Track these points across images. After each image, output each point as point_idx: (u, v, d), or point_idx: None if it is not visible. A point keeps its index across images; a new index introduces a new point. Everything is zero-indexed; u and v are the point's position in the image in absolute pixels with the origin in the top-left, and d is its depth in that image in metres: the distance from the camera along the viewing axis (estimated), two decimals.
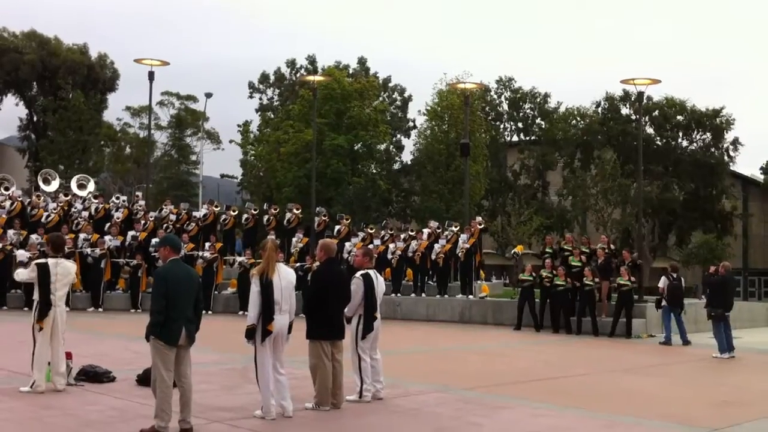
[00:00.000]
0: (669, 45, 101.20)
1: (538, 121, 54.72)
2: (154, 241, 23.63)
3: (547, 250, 22.09)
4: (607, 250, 20.99)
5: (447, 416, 9.07)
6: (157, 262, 21.78)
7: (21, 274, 10.59)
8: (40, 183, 28.88)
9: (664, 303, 18.33)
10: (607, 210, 46.36)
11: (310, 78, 36.61)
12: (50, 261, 10.00)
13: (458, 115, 41.73)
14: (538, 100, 54.23)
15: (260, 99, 57.05)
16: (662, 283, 18.56)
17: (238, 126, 52.54)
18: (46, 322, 9.80)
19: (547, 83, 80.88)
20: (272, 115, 53.08)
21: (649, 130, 51.74)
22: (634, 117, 50.47)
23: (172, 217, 26.02)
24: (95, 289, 23.34)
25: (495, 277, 40.99)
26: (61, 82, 48.73)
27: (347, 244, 24.04)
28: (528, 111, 54.85)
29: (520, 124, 55.04)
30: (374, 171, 46.41)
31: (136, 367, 10.71)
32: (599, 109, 53.28)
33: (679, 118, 52.25)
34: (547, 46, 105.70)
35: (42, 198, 26.15)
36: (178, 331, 7.76)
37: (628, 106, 52.44)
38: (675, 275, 18.66)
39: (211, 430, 8.05)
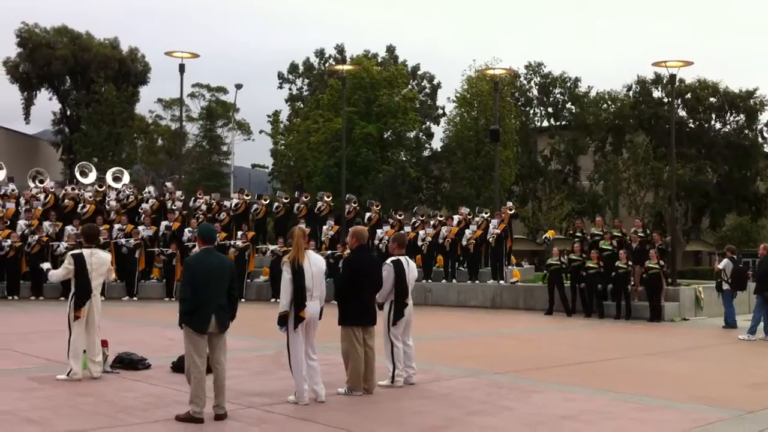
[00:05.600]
0: (700, 27, 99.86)
1: (568, 105, 54.25)
2: (187, 231, 23.92)
3: (577, 234, 21.97)
4: (641, 234, 20.82)
5: (479, 400, 9.09)
6: (190, 251, 22.06)
7: (54, 276, 10.52)
8: (78, 175, 29.28)
9: (726, 286, 17.61)
10: (640, 194, 45.94)
11: (339, 67, 36.63)
12: (85, 251, 10.13)
13: (488, 102, 41.56)
14: (568, 84, 53.76)
15: (290, 89, 57.24)
16: (723, 264, 17.72)
17: (268, 116, 52.83)
18: (82, 312, 9.96)
19: (577, 68, 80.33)
20: (302, 105, 53.21)
21: (682, 113, 51.09)
22: (666, 100, 49.90)
23: (204, 207, 26.26)
24: (130, 279, 23.69)
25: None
26: (94, 76, 49.21)
27: (378, 231, 24.11)
28: (558, 96, 54.40)
29: (550, 109, 54.60)
30: (404, 158, 46.40)
31: (171, 354, 10.85)
32: (631, 93, 52.72)
33: (712, 100, 51.51)
34: (577, 30, 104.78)
35: (75, 190, 26.52)
36: (207, 319, 7.83)
37: (660, 88, 51.81)
38: (736, 257, 18.21)
39: (245, 415, 8.13)
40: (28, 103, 52.54)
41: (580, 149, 52.48)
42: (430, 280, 23.57)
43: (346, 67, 36.38)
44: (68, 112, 52.59)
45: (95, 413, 8.15)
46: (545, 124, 55.01)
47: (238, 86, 52.16)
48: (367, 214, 26.13)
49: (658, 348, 14.44)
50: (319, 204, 26.45)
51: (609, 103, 52.59)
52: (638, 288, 19.83)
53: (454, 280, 23.62)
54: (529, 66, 53.85)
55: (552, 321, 19.35)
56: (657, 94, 52.40)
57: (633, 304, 19.53)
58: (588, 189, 52.03)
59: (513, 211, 24.92)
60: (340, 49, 55.28)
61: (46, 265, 11.48)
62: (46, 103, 53.87)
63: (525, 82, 53.90)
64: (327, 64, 54.35)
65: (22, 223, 24.05)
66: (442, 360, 12.09)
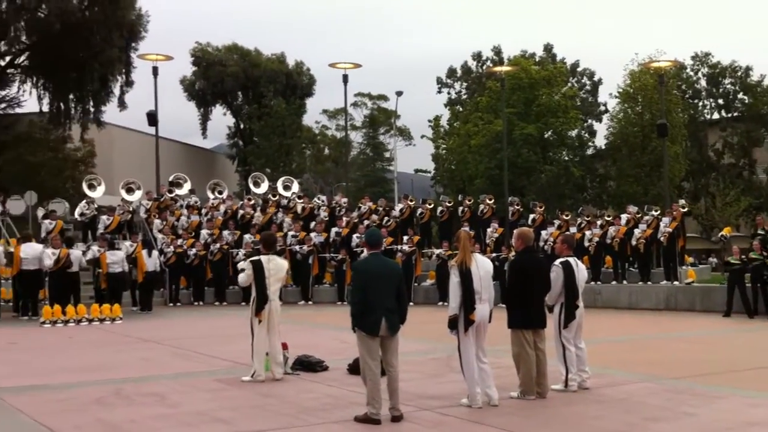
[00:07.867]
0: None
1: (740, 96, 51.56)
2: (355, 236, 24.58)
3: (759, 231, 20.84)
4: None
5: (657, 406, 8.85)
6: (358, 256, 22.64)
7: (242, 279, 10.99)
8: (251, 186, 30.73)
9: None
10: None
11: (497, 69, 36.56)
12: (263, 258, 10.61)
13: (652, 96, 40.23)
14: (739, 74, 51.05)
15: (449, 93, 57.55)
16: None
17: (429, 121, 53.34)
18: (263, 315, 10.45)
19: (748, 56, 75.99)
20: (461, 109, 53.39)
21: None
22: None
23: (374, 216, 26.62)
24: (304, 283, 24.66)
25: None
26: (263, 91, 51.45)
27: (543, 232, 23.85)
28: (728, 86, 51.78)
29: (720, 101, 52.07)
30: (566, 158, 45.63)
31: (346, 357, 11.15)
32: None
33: None
34: (745, 16, 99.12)
35: (251, 201, 27.88)
36: (377, 322, 8.01)
37: None
38: None
39: (421, 417, 8.27)
40: (204, 119, 55.58)
41: (755, 141, 49.78)
42: (599, 282, 23.04)
43: (504, 68, 36.22)
44: (241, 126, 55.20)
45: (278, 413, 8.54)
46: (716, 116, 52.53)
47: (399, 93, 53.08)
48: (531, 216, 25.90)
49: None
50: (482, 207, 26.47)
51: None
52: None
53: (624, 282, 22.99)
54: (696, 56, 51.61)
55: (732, 323, 18.43)
56: None
57: None
58: (766, 183, 49.22)
59: (686, 209, 23.96)
60: (497, 51, 55.03)
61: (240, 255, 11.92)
62: (221, 118, 56.67)
63: (692, 73, 51.71)
64: (484, 67, 54.25)
65: (204, 232, 25.51)
66: (616, 364, 11.81)
